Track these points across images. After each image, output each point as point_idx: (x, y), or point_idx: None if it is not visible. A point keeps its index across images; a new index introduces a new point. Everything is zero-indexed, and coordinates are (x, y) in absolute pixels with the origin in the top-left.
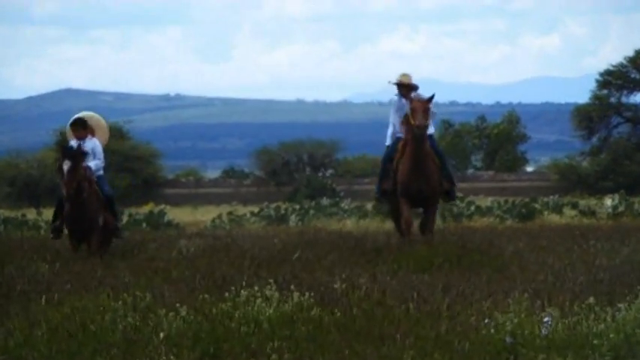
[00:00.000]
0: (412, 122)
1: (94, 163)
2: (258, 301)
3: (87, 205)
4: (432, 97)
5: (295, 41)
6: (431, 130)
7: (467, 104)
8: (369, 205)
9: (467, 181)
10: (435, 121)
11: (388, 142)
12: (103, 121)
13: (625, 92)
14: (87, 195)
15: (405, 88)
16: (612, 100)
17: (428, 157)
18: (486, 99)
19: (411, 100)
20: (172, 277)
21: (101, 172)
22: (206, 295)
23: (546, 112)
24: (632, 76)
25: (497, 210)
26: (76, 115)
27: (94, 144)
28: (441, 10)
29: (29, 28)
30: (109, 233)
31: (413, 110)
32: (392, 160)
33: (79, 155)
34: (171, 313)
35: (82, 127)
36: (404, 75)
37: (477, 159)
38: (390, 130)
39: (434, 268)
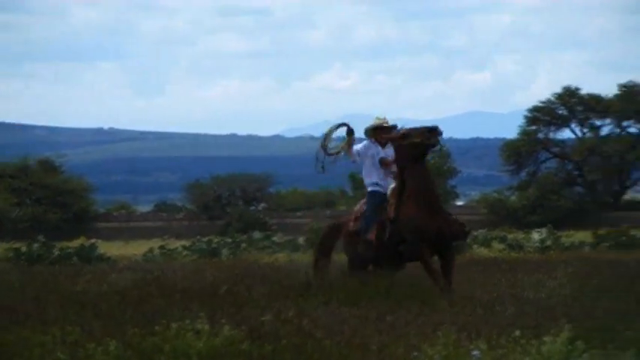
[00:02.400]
0: (413, 140)
1: None
2: (189, 334)
3: None
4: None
5: (229, 77)
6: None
7: None
8: (301, 239)
9: None
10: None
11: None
12: None
13: (552, 128)
14: None
15: (382, 130)
16: (540, 135)
17: (435, 185)
18: None
19: (390, 133)
20: (102, 310)
21: None
22: (136, 329)
23: (476, 147)
24: (560, 112)
25: None
26: None
27: None
28: (375, 47)
29: None
30: None
31: (405, 134)
32: (382, 208)
33: None
34: (100, 348)
35: None
36: (379, 119)
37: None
38: (368, 180)
39: (364, 300)
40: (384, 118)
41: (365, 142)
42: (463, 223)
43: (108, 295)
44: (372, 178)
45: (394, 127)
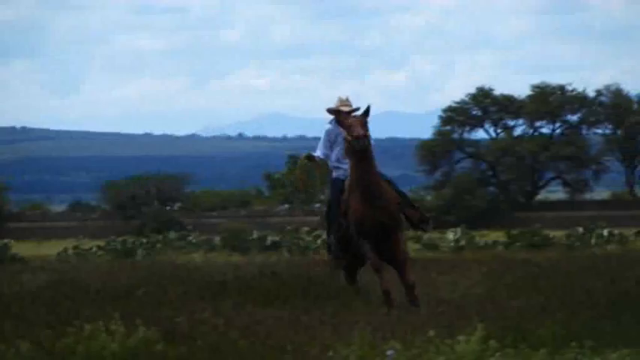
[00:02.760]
0: (349, 137)
1: None
2: (102, 335)
3: None
4: (367, 111)
5: (145, 75)
6: None
7: (316, 139)
8: (217, 239)
9: (314, 215)
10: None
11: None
12: None
13: (467, 128)
14: None
15: (344, 114)
16: (455, 136)
17: (379, 178)
18: None
19: (344, 117)
20: (14, 311)
21: None
22: (49, 330)
23: (392, 147)
24: (474, 112)
25: None
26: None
27: None
28: (291, 46)
29: None
30: None
31: (349, 126)
32: (338, 205)
33: None
34: (12, 349)
35: None
36: (342, 100)
37: (325, 194)
38: (331, 163)
39: (279, 301)
40: (346, 99)
41: (329, 127)
42: (419, 212)
43: (20, 295)
44: (333, 161)
45: (355, 109)
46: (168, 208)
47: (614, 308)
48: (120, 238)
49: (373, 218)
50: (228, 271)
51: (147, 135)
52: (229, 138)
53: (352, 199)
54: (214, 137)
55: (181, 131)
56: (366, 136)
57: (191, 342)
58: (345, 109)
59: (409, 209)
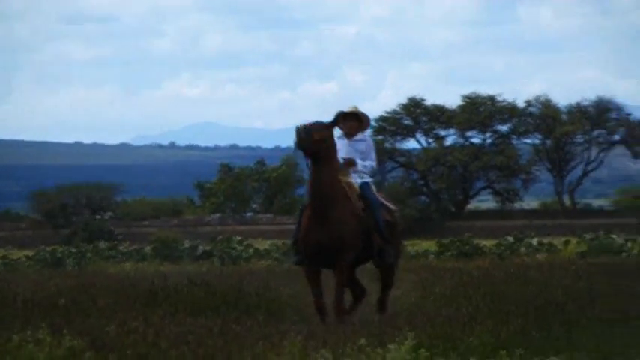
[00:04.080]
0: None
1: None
2: (30, 345)
3: None
4: (333, 122)
5: (75, 84)
6: (366, 178)
7: (247, 148)
8: (148, 248)
9: (246, 224)
10: (369, 162)
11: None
12: None
13: (398, 138)
14: None
15: (345, 118)
16: (387, 145)
17: (331, 189)
18: (266, 143)
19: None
20: None
21: None
22: None
23: None
24: (406, 122)
25: (275, 253)
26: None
27: None
28: (223, 56)
29: None
30: None
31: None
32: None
33: None
34: None
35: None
36: (352, 107)
37: (256, 202)
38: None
39: (210, 310)
40: (355, 107)
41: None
42: (381, 242)
43: None
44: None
45: (360, 117)
46: (98, 217)
47: (543, 316)
48: (49, 248)
49: (313, 238)
50: (158, 281)
51: (77, 144)
52: (161, 147)
53: (303, 216)
54: (146, 146)
55: (112, 140)
56: (307, 132)
57: (120, 351)
58: (352, 111)
59: (375, 233)
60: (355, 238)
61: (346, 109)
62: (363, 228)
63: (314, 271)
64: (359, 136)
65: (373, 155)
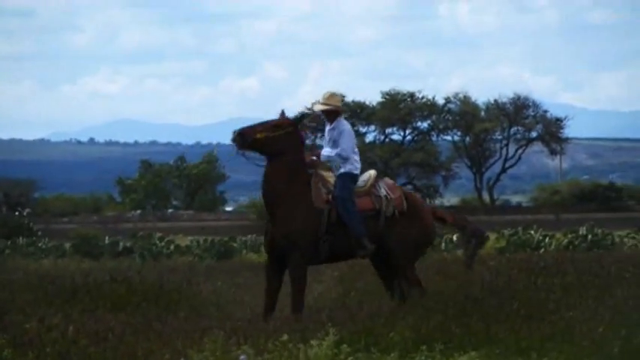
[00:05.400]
0: None
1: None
2: None
3: None
4: (298, 118)
5: None
6: (346, 166)
7: (167, 144)
8: (68, 244)
9: (167, 220)
10: (334, 150)
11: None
12: None
13: (319, 134)
14: None
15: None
16: (308, 142)
17: (276, 188)
18: (187, 139)
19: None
20: None
21: None
22: None
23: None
24: None
25: (196, 249)
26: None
27: None
28: (142, 51)
29: None
30: None
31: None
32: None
33: None
34: None
35: None
36: (328, 96)
37: (177, 198)
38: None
39: (131, 307)
40: (329, 96)
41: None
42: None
43: None
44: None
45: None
46: (17, 213)
47: (462, 312)
48: None
49: (267, 235)
50: (78, 277)
51: None
52: (80, 143)
53: None
54: (65, 142)
55: (30, 136)
56: (241, 133)
57: (40, 348)
58: (318, 107)
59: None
60: (305, 236)
61: (321, 98)
62: (331, 224)
63: (270, 268)
64: (334, 124)
65: (343, 140)
